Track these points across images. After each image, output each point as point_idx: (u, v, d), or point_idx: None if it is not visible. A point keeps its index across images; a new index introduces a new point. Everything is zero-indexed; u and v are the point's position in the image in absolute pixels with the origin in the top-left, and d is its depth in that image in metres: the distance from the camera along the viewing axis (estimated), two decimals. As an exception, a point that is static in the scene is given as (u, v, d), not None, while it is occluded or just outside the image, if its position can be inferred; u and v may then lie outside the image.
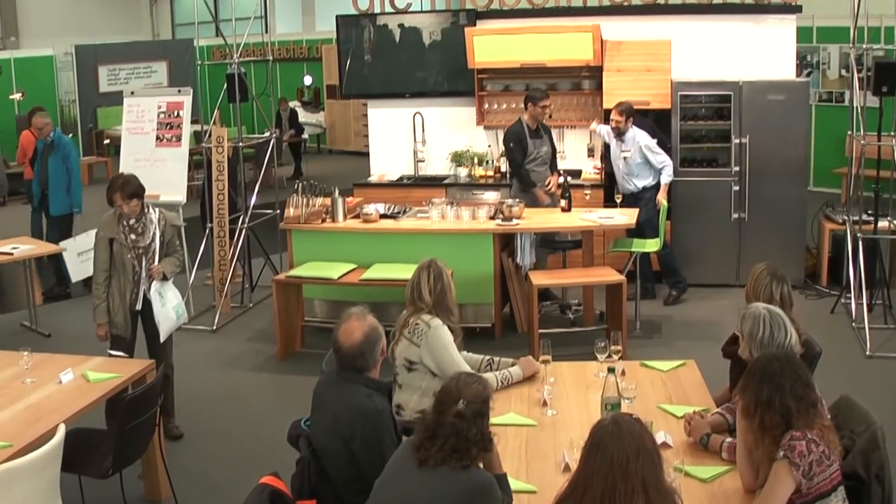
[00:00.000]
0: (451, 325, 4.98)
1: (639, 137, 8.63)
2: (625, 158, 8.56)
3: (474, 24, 10.11)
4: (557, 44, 9.56)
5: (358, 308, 4.23)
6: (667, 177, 8.61)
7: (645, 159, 8.60)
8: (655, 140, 8.89)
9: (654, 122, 9.46)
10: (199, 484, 5.71)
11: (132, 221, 6.17)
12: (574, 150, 10.22)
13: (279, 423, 4.57)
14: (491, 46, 9.79)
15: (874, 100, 8.22)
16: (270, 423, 6.48)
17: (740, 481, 3.71)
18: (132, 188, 6.12)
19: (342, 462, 3.99)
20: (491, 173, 10.21)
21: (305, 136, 20.12)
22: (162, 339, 6.27)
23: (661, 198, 8.54)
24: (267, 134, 10.16)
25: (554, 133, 10.15)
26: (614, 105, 8.84)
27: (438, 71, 10.40)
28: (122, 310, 6.16)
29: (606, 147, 9.20)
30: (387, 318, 7.93)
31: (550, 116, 8.79)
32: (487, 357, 5.20)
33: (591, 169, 10.05)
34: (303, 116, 20.68)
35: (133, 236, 6.16)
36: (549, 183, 8.80)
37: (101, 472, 4.80)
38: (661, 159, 8.61)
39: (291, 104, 21.60)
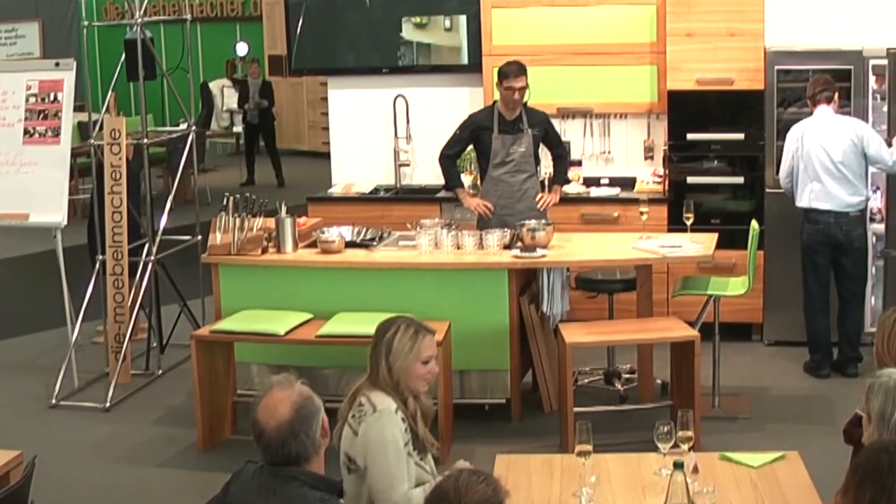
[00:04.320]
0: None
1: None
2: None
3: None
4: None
5: (281, 375, 4.24)
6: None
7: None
8: None
9: (736, 109, 9.53)
10: None
11: None
12: (625, 150, 10.30)
13: (201, 541, 4.58)
14: (515, 25, 10.01)
15: None
16: (188, 542, 6.49)
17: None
18: None
19: None
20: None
21: (238, 128, 20.23)
22: None
23: None
24: (183, 126, 10.21)
25: (597, 125, 10.25)
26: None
27: (430, 36, 10.48)
28: None
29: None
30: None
31: (526, 102, 8.83)
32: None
33: (649, 176, 10.11)
34: (234, 100, 20.79)
35: None
36: (541, 199, 8.86)
37: None
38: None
39: (218, 83, 21.72)
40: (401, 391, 4.99)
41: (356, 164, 10.83)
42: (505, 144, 8.80)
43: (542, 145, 9.00)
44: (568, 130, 10.27)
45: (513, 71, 8.68)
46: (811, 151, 8.70)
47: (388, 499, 4.78)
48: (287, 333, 7.72)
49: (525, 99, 8.74)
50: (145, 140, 9.55)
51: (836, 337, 8.95)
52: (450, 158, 9.04)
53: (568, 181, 9.51)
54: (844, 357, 8.89)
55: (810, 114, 8.86)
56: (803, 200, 8.78)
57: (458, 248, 8.10)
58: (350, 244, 8.33)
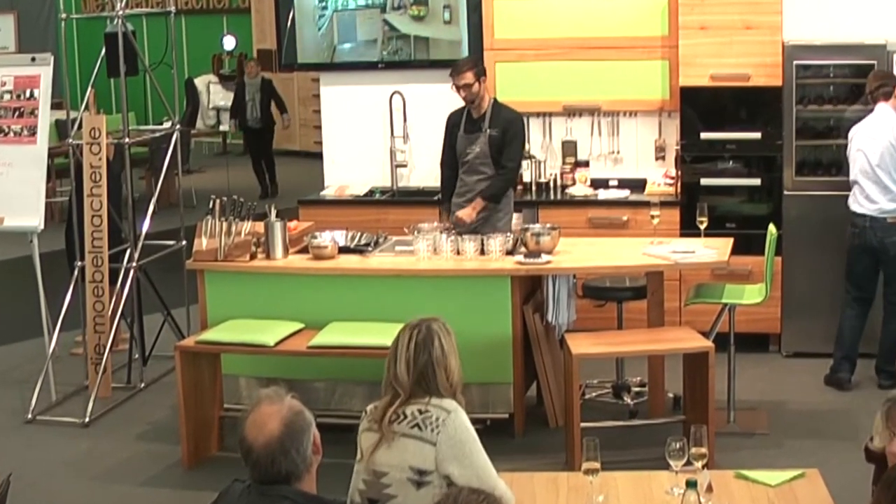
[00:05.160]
0: None
1: None
2: None
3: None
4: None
5: (270, 388, 4.23)
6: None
7: None
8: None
9: (752, 106, 9.54)
10: None
11: None
12: (635, 150, 10.30)
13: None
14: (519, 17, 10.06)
15: None
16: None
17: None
18: None
19: None
20: (509, 184, 10.29)
21: (225, 127, 20.20)
22: None
23: None
24: (167, 125, 10.21)
25: (605, 123, 10.26)
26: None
27: (429, 29, 10.48)
28: None
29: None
30: (348, 404, 8.00)
31: (472, 102, 8.88)
32: None
33: (660, 178, 10.12)
34: (222, 97, 20.80)
35: None
36: (460, 216, 8.84)
37: None
38: None
39: (203, 79, 21.68)
40: (456, 399, 4.99)
41: (350, 165, 10.82)
42: (464, 143, 8.96)
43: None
44: (574, 129, 10.29)
45: (455, 68, 8.89)
46: (853, 153, 8.74)
47: (495, 487, 4.77)
48: (277, 344, 7.72)
49: (473, 96, 8.82)
50: (127, 139, 9.56)
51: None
52: (443, 165, 9.22)
53: (496, 200, 9.01)
54: (876, 368, 8.91)
55: (871, 111, 8.85)
56: (849, 202, 8.82)
57: (458, 253, 8.10)
58: (344, 250, 8.33)
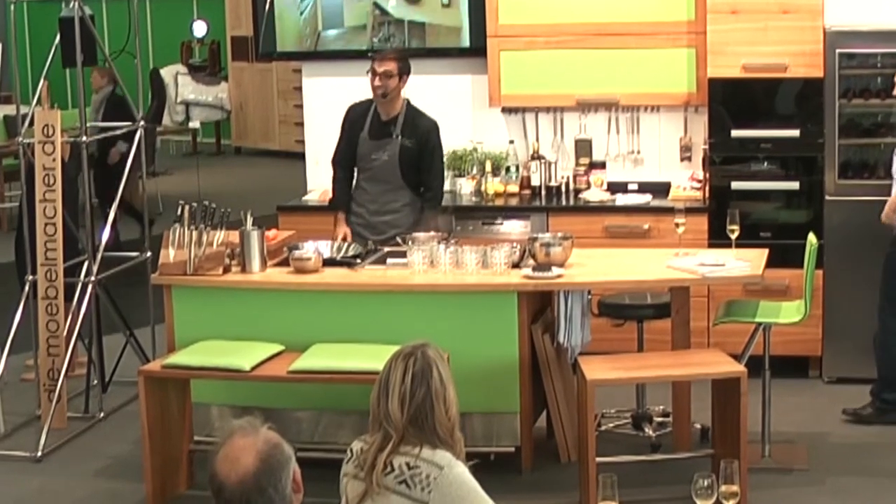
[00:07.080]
0: None
1: None
2: None
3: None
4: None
5: (244, 419, 4.22)
6: None
7: None
8: None
9: (790, 100, 9.56)
10: None
11: None
12: (657, 150, 10.33)
13: None
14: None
15: None
16: None
17: None
18: None
19: None
20: (515, 189, 10.31)
21: (196, 124, 20.21)
22: None
23: None
24: (130, 122, 10.23)
25: (624, 120, 10.30)
26: None
27: (425, 14, 10.50)
28: None
29: None
30: (333, 436, 8.01)
31: (384, 96, 8.91)
32: None
33: (685, 181, 10.14)
34: (192, 90, 20.82)
35: None
36: (344, 238, 8.97)
37: None
38: None
39: (171, 70, 21.69)
40: (454, 437, 4.94)
41: (336, 167, 10.86)
42: (369, 148, 9.03)
43: None
44: (589, 126, 10.31)
45: (382, 53, 9.12)
46: None
47: None
48: (253, 369, 7.72)
49: (387, 89, 8.88)
50: (84, 138, 9.56)
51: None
52: (337, 164, 9.32)
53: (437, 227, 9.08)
54: None
55: None
56: None
57: (458, 266, 8.11)
58: (329, 262, 8.35)
